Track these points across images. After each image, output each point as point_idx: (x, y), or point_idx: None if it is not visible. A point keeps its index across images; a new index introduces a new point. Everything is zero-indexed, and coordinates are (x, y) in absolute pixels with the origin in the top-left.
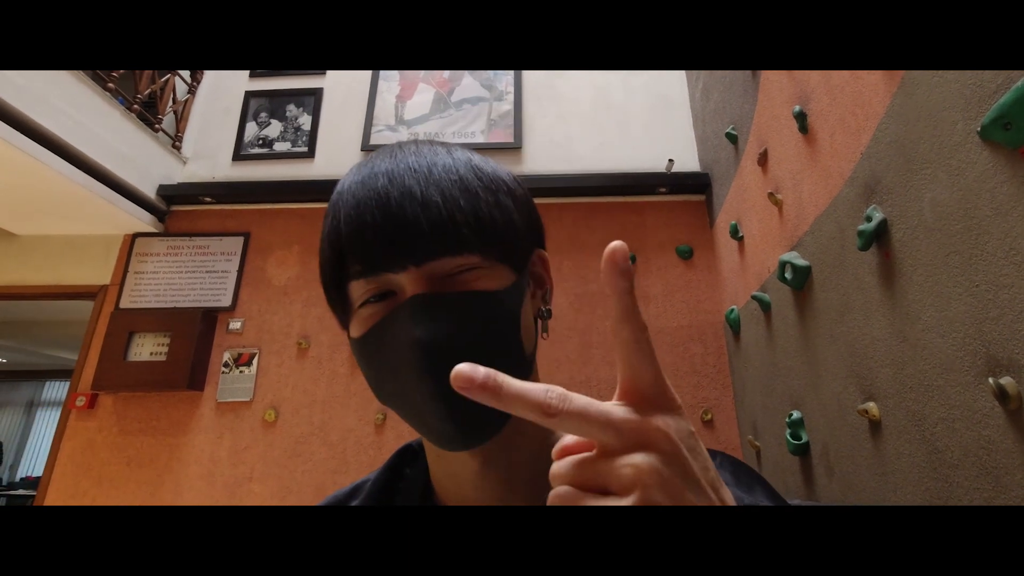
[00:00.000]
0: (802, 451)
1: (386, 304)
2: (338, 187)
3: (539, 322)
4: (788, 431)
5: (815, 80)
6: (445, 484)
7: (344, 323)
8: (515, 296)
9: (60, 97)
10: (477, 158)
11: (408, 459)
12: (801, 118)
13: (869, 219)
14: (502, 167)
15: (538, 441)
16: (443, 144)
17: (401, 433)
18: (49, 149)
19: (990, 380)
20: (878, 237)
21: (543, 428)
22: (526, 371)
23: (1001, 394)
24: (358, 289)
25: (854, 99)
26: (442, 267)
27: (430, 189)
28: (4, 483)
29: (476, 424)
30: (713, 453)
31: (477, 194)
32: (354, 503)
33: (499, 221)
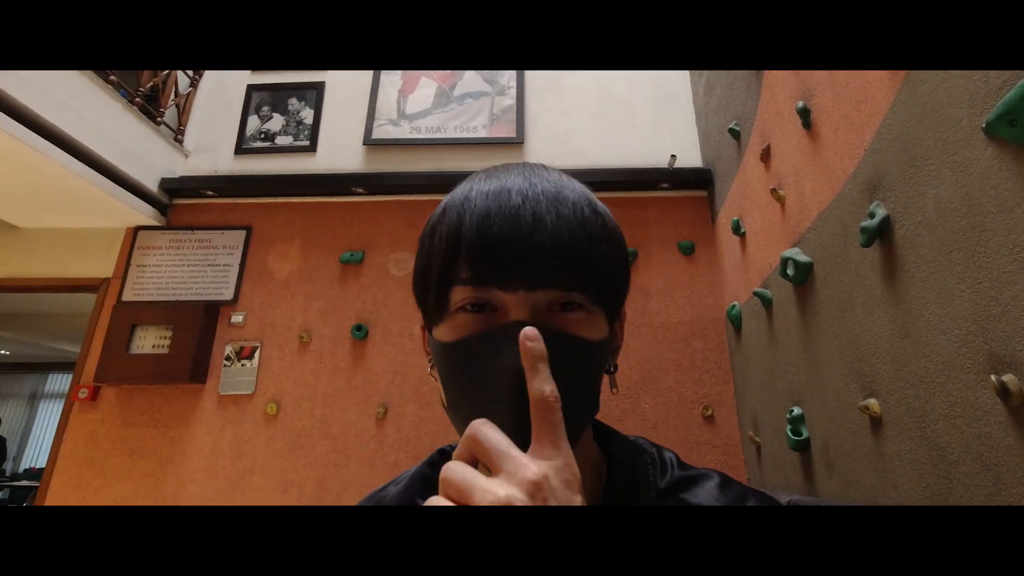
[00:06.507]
0: (802, 447)
1: (484, 317)
2: (461, 190)
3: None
4: (788, 427)
5: (819, 76)
6: None
7: (431, 321)
8: (607, 348)
9: (62, 90)
10: (595, 198)
11: (447, 459)
12: (804, 114)
13: (872, 216)
14: (609, 213)
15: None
16: (563, 174)
17: (401, 427)
18: (51, 142)
19: (992, 377)
20: (881, 234)
21: (587, 463)
22: (589, 420)
23: (1003, 391)
24: (458, 294)
25: (858, 95)
26: (549, 298)
27: (560, 222)
28: (7, 474)
29: None
30: (708, 474)
31: (598, 239)
32: (388, 498)
33: (611, 270)
